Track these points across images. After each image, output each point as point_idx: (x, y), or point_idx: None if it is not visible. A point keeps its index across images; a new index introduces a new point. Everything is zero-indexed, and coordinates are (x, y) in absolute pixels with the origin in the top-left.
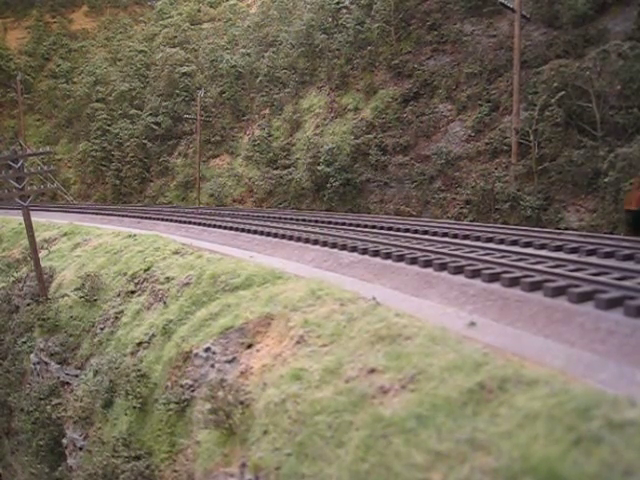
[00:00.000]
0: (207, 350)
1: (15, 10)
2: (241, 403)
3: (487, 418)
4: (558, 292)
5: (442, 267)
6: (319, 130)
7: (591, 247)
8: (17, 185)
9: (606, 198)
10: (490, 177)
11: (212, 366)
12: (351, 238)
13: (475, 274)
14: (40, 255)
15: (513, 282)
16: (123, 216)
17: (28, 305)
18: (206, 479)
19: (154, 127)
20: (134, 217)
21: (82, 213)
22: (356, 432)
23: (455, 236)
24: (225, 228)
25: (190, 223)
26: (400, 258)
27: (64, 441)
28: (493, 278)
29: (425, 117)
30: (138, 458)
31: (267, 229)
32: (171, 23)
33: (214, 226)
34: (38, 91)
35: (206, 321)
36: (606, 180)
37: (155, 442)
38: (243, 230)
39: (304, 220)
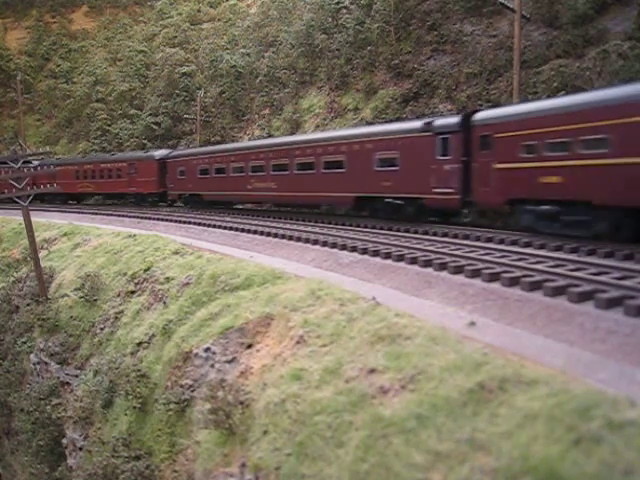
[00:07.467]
0: (207, 350)
1: (15, 10)
2: (241, 403)
3: (487, 418)
4: (558, 292)
5: (442, 267)
6: (319, 130)
7: (591, 247)
8: (17, 185)
9: None
10: None
11: (212, 366)
12: (351, 238)
13: (475, 274)
14: (40, 255)
15: (513, 282)
16: (123, 216)
17: (28, 305)
18: (206, 479)
19: (154, 127)
20: (134, 217)
21: (82, 213)
22: (356, 432)
23: (455, 236)
24: (225, 228)
25: (190, 223)
26: (400, 258)
27: (64, 441)
28: (493, 278)
29: None
30: (138, 458)
31: (267, 229)
32: (171, 23)
33: (214, 226)
34: (38, 91)
35: (206, 321)
36: None
37: (155, 442)
38: (243, 230)
39: (304, 220)
